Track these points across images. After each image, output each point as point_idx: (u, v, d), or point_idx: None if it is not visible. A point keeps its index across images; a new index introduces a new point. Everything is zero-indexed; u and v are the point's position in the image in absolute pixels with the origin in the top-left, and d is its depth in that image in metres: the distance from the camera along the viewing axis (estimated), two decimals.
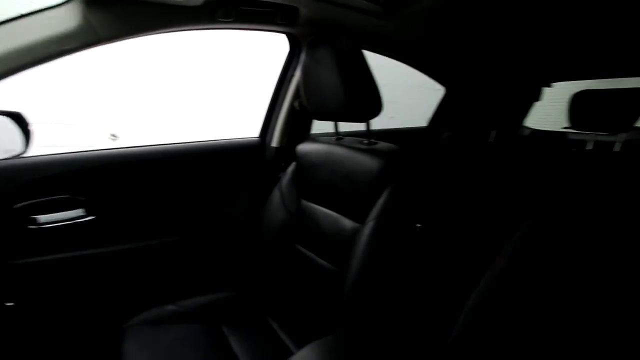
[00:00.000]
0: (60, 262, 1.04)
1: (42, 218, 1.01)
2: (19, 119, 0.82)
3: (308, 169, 1.08)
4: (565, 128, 1.41)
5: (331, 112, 0.99)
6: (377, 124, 0.99)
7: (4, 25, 0.74)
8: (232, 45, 3.45)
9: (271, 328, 1.04)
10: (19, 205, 0.97)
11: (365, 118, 0.95)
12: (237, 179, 1.31)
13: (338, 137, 1.10)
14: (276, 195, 1.15)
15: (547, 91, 1.73)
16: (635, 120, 1.23)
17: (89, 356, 1.11)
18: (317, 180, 1.04)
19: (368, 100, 0.91)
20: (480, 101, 1.67)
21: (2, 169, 0.95)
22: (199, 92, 3.44)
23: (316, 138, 1.22)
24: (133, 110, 3.23)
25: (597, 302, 0.41)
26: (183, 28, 0.96)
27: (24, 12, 0.75)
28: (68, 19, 0.78)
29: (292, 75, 1.27)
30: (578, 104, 1.34)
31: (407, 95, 3.88)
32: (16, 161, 0.95)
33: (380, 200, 0.87)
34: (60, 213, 1.03)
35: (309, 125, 1.38)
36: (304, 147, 1.11)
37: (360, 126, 0.99)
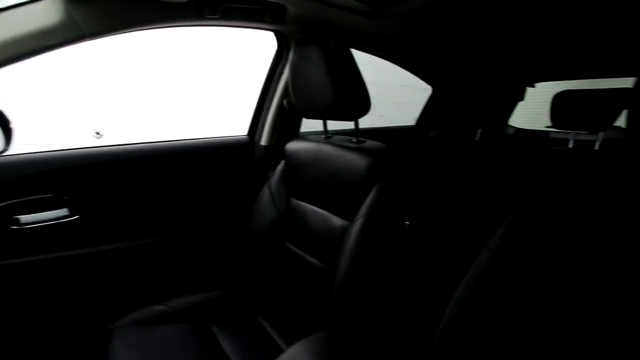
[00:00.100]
0: (45, 263, 1.02)
1: (24, 218, 0.98)
2: None
3: (297, 168, 1.08)
4: (548, 127, 1.44)
5: (320, 110, 0.99)
6: (367, 121, 1.00)
7: None
8: (220, 42, 3.41)
9: (262, 327, 1.04)
10: (0, 205, 0.95)
11: (354, 117, 0.96)
12: (226, 177, 1.30)
13: (327, 136, 1.10)
14: (265, 193, 1.15)
15: (536, 92, 1.77)
16: (614, 119, 1.27)
17: (76, 358, 1.08)
18: (307, 178, 1.04)
19: (356, 99, 0.92)
20: (466, 100, 1.70)
21: None
22: (186, 89, 3.39)
23: (305, 136, 1.23)
24: (118, 107, 3.16)
25: (580, 295, 0.43)
26: (169, 24, 0.95)
27: (2, 5, 0.73)
28: (50, 13, 0.75)
29: (281, 74, 1.27)
30: (559, 103, 1.37)
31: (398, 94, 3.92)
32: None
33: (369, 198, 0.88)
34: (43, 213, 1.00)
35: (298, 124, 1.38)
36: (293, 146, 1.11)
37: (349, 124, 1.00)
